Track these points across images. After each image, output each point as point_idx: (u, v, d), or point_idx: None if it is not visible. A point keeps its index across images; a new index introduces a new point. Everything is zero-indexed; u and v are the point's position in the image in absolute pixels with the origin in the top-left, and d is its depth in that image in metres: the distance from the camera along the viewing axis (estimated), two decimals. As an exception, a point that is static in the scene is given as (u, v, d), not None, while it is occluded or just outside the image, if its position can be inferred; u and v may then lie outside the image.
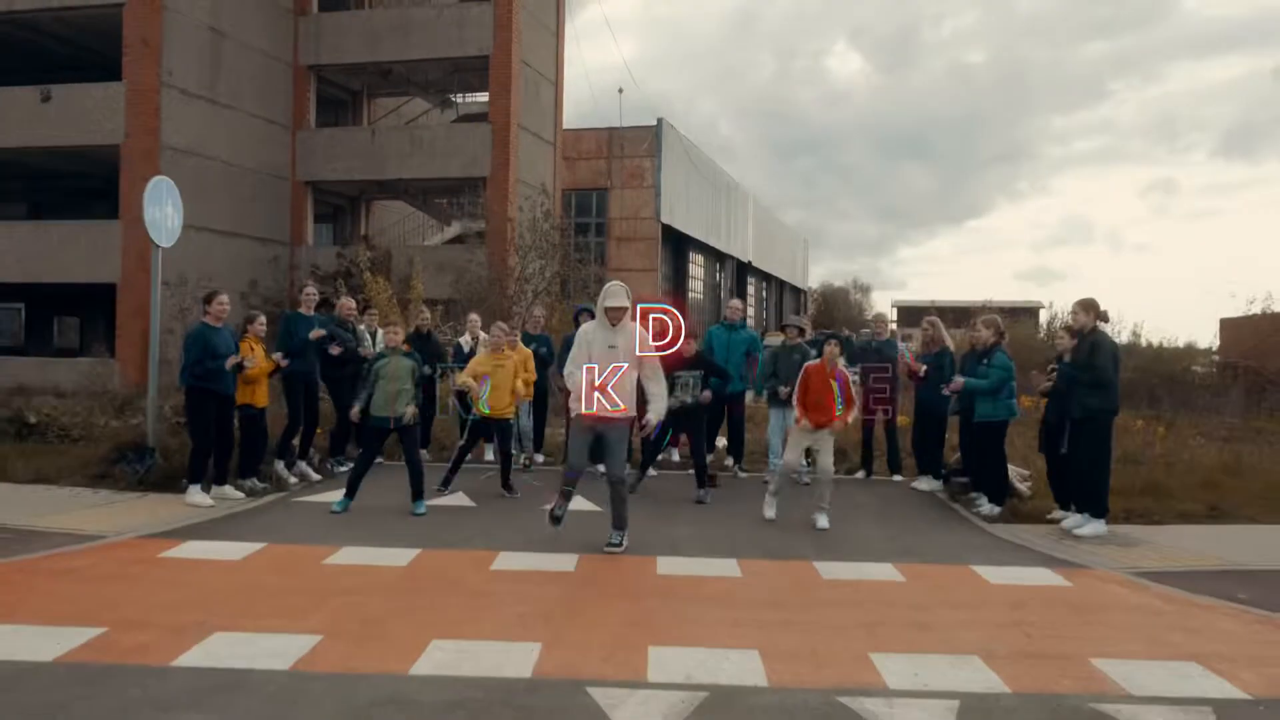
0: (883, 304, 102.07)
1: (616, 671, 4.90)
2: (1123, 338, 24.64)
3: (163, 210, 10.30)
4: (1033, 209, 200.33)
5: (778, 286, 68.59)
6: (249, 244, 25.26)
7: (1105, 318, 8.51)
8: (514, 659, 5.03)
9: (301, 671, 4.83)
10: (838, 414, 8.63)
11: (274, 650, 5.08)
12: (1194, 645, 5.54)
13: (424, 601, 6.12)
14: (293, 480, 10.10)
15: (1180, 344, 27.43)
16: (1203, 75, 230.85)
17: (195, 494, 8.89)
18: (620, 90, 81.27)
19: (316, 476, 10.45)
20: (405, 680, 4.75)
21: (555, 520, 7.58)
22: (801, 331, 11.20)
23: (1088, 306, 8.50)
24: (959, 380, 9.52)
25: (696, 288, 49.49)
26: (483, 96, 29.89)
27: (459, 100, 32.91)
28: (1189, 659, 5.28)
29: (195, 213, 21.10)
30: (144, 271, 22.42)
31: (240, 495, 9.24)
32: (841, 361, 8.87)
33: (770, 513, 8.92)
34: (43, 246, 23.43)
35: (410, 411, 8.76)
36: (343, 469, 10.92)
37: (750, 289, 59.99)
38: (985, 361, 9.43)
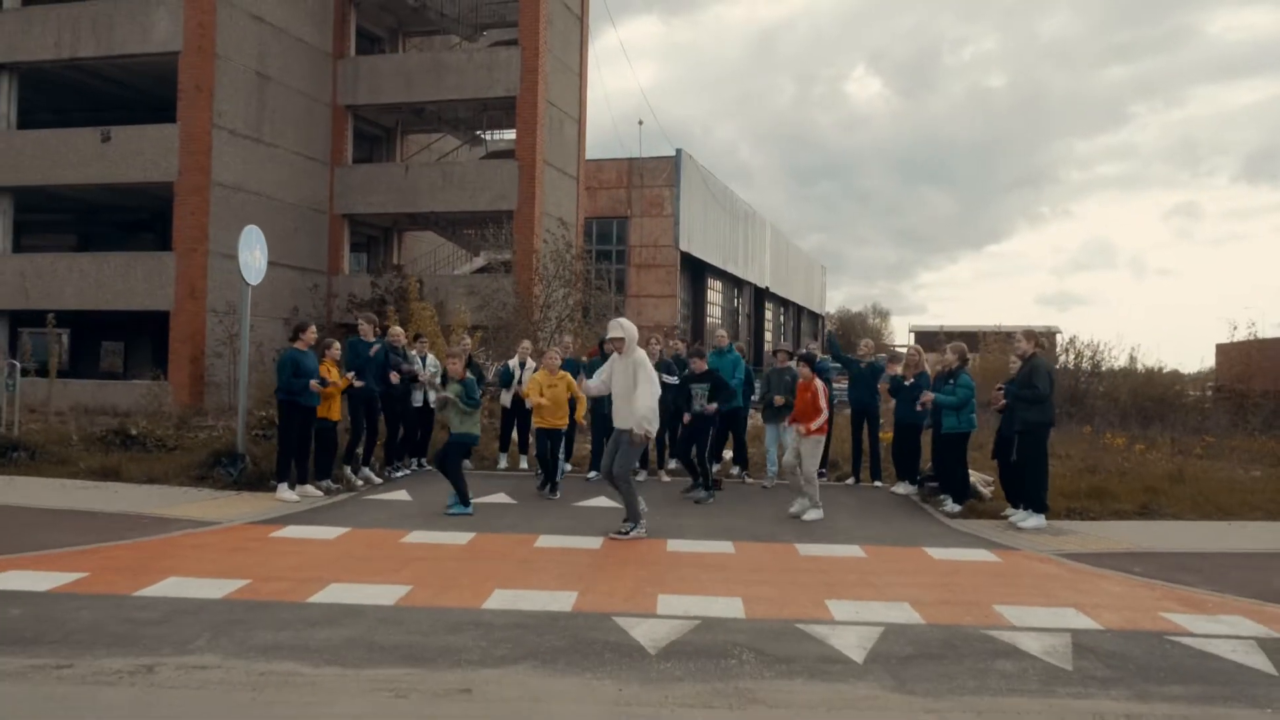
0: (901, 329, 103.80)
1: (633, 608, 6.74)
2: (1120, 361, 26.12)
3: (252, 253, 12.16)
4: (1054, 233, 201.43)
5: (795, 312, 70.36)
6: (290, 273, 27.32)
7: (1043, 344, 10.31)
8: (557, 600, 6.89)
9: (402, 606, 6.71)
10: (813, 427, 10.48)
11: (378, 594, 6.96)
12: (1078, 598, 7.32)
13: (484, 566, 8.00)
14: (359, 483, 11.99)
15: (1174, 368, 28.94)
16: (1225, 99, 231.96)
17: (284, 491, 10.81)
18: (640, 122, 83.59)
19: (378, 480, 12.34)
20: (479, 612, 6.61)
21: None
22: (790, 355, 13.09)
23: (1029, 336, 10.35)
24: (929, 395, 11.36)
25: (715, 313, 51.36)
26: (510, 134, 32.05)
27: (488, 137, 35.13)
28: (1070, 607, 7.06)
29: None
30: (194, 299, 24.62)
31: (319, 493, 11.15)
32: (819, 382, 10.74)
33: (795, 509, 10.61)
34: (99, 276, 25.56)
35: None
36: (398, 475, 12.82)
37: (768, 314, 61.80)
38: (951, 381, 11.26)
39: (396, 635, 6.02)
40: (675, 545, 9.07)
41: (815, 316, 78.81)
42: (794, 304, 69.49)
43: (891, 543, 9.44)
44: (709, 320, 48.68)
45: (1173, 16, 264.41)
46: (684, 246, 44.45)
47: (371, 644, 5.84)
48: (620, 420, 9.44)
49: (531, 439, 13.83)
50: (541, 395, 11.40)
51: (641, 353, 9.51)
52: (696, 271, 48.07)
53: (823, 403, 10.66)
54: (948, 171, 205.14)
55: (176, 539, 8.83)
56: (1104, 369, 26.02)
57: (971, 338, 34.03)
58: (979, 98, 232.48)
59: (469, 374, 10.72)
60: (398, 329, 13.37)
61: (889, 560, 8.66)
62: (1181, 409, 24.48)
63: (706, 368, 11.87)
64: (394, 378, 12.22)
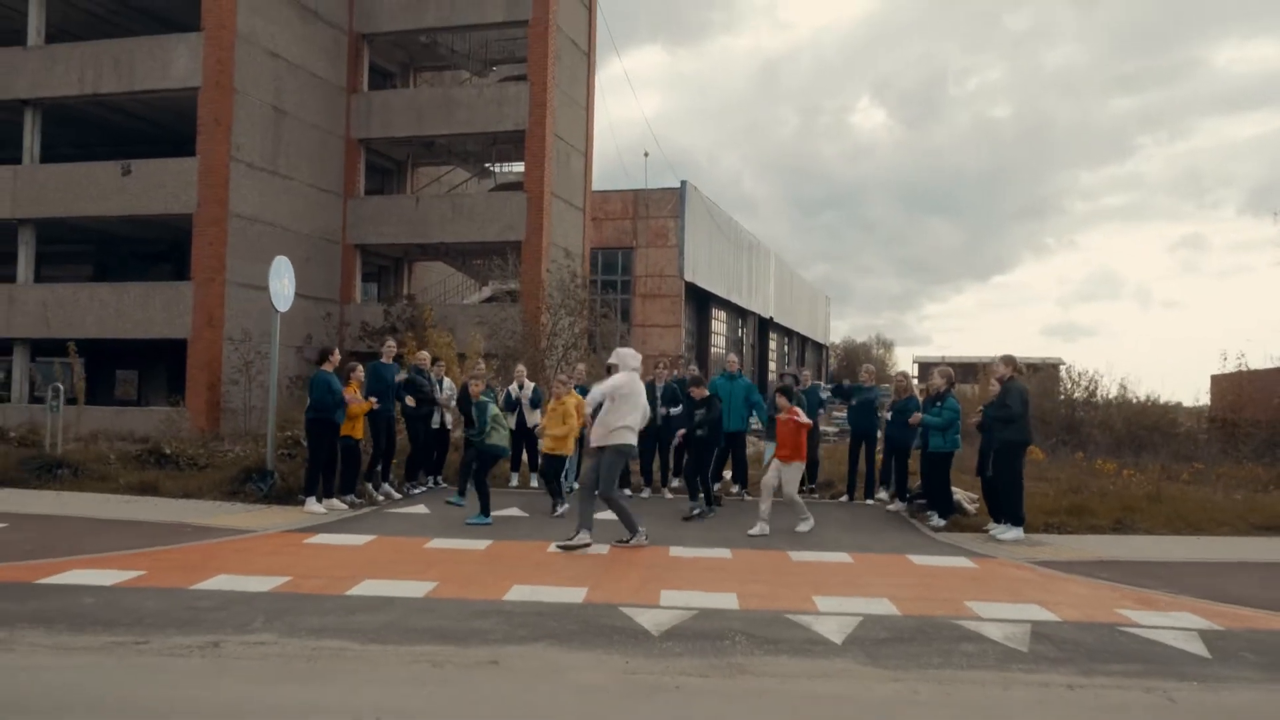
0: (905, 359, 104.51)
1: (639, 601, 7.59)
2: (1112, 392, 26.86)
3: (281, 282, 13.06)
4: (1060, 264, 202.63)
5: (799, 342, 71.24)
6: (303, 302, 27.95)
7: (1021, 369, 11.18)
8: (570, 594, 7.74)
9: (431, 598, 7.56)
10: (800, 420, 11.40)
11: (408, 589, 7.82)
12: (1042, 597, 8.15)
13: (502, 567, 8.86)
14: (380, 498, 12.86)
15: (1170, 398, 29.65)
16: (1230, 131, 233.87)
17: (313, 504, 11.68)
18: (646, 154, 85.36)
19: (398, 495, 13.23)
20: (501, 602, 7.46)
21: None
22: (797, 380, 13.96)
23: (1007, 361, 11.23)
24: (917, 415, 12.21)
25: (719, 343, 52.24)
26: (519, 166, 33.04)
27: (496, 170, 36.11)
28: (1034, 603, 7.88)
29: (256, 274, 24.14)
30: (211, 328, 25.51)
31: (345, 507, 12.02)
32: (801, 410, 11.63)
33: (756, 530, 11.32)
34: (119, 305, 26.47)
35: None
36: (416, 491, 13.68)
37: (772, 344, 62.65)
38: (938, 404, 12.12)
39: (428, 620, 6.87)
40: (677, 551, 9.91)
41: (819, 347, 79.74)
42: (798, 334, 70.42)
43: (878, 551, 10.26)
44: (713, 350, 49.58)
45: (1179, 48, 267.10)
46: (689, 277, 45.39)
47: (407, 628, 6.68)
48: (596, 439, 10.19)
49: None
50: (562, 423, 12.14)
51: (621, 377, 10.23)
52: (701, 301, 48.99)
53: (803, 418, 11.45)
54: (953, 202, 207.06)
55: (219, 544, 9.72)
56: (1098, 399, 26.82)
57: (972, 368, 34.83)
58: (984, 128, 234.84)
59: (484, 397, 11.63)
60: (423, 354, 14.23)
61: (874, 566, 9.48)
62: (1174, 438, 25.23)
63: (706, 393, 12.70)
64: (410, 401, 13.04)
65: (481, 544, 10.02)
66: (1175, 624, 7.32)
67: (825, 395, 15.28)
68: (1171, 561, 10.06)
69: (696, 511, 12.33)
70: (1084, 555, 10.28)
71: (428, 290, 35.22)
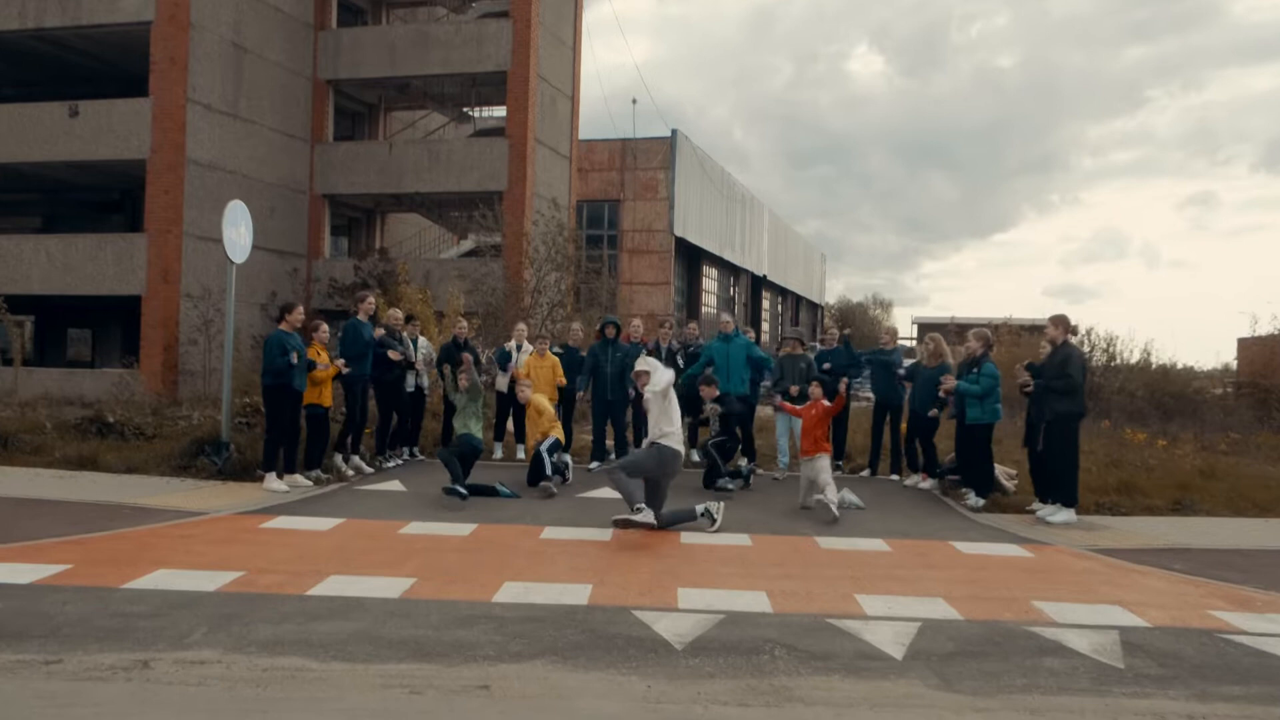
0: (903, 320, 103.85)
1: (653, 602, 6.66)
2: (1134, 357, 26.15)
3: (237, 230, 12.03)
4: (1064, 222, 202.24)
5: (794, 301, 70.44)
6: (268, 257, 27.06)
7: (1075, 331, 10.26)
8: (571, 593, 6.80)
9: (408, 599, 6.61)
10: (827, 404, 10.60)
11: (381, 587, 6.86)
12: (1119, 595, 7.27)
13: (490, 558, 7.91)
14: (349, 473, 11.90)
15: (1190, 364, 29.00)
16: (1247, 84, 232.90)
17: (272, 481, 10.72)
18: (634, 101, 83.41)
19: (369, 469, 12.26)
20: (490, 605, 6.51)
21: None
22: (801, 342, 13.00)
23: (1058, 322, 10.29)
24: (950, 380, 11.29)
25: (710, 302, 51.31)
26: (500, 111, 31.85)
27: (476, 114, 34.92)
28: (1113, 604, 7.00)
29: (216, 225, 22.93)
30: (167, 283, 24.40)
31: (309, 483, 11.06)
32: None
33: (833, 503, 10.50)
34: (67, 259, 25.27)
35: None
36: (390, 464, 12.73)
37: (765, 303, 61.86)
38: (975, 370, 11.20)
39: (405, 629, 5.92)
40: (690, 537, 8.99)
41: (814, 307, 78.98)
42: (792, 293, 69.58)
43: (915, 536, 9.39)
44: (704, 310, 48.64)
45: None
46: (679, 231, 44.42)
47: (379, 638, 5.74)
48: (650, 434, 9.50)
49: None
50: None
51: (665, 374, 9.45)
52: (691, 258, 48.06)
53: (831, 404, 10.84)
54: (953, 156, 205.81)
55: (162, 530, 8.73)
56: (1118, 364, 26.06)
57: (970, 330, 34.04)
58: (987, 78, 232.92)
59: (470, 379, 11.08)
60: (395, 311, 13.32)
61: (915, 555, 8.60)
62: (1201, 405, 24.55)
63: (717, 393, 11.78)
64: (394, 356, 12.13)
65: (466, 528, 9.08)
66: (1283, 630, 6.46)
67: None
68: (1248, 549, 9.22)
69: (731, 487, 11.54)
70: (1148, 541, 9.43)
71: (402, 244, 34.14)
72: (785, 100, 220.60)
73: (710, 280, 51.70)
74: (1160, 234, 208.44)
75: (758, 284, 59.28)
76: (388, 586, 6.88)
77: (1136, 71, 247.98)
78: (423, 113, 34.47)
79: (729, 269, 54.24)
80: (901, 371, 13.18)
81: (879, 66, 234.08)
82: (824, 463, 10.64)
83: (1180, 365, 27.97)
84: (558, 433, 11.76)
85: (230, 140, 26.21)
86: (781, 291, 66.90)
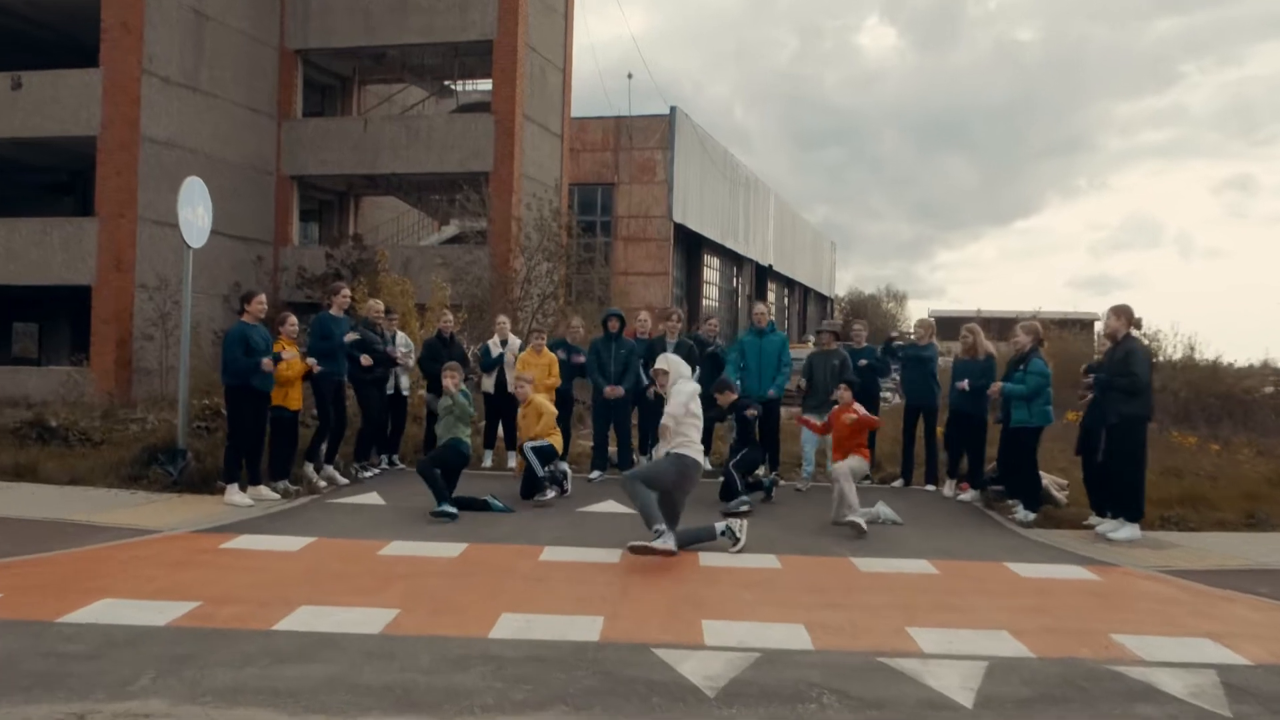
0: (919, 314, 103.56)
1: (676, 638, 6.17)
2: (1177, 353, 25.81)
3: (194, 210, 11.55)
4: (1091, 208, 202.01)
5: (801, 293, 70.05)
6: (231, 244, 26.54)
7: (1139, 324, 9.79)
8: (580, 627, 6.31)
9: (391, 635, 6.11)
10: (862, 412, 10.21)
11: (359, 620, 6.36)
12: (1208, 626, 6.80)
13: (484, 584, 7.42)
14: (322, 484, 11.40)
15: (1240, 361, 28.63)
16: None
17: (235, 493, 10.24)
18: (630, 76, 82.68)
19: (344, 480, 11.77)
20: (487, 642, 6.02)
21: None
22: (836, 336, 12.49)
23: (1120, 313, 9.81)
24: (996, 385, 10.81)
25: (711, 294, 50.88)
26: (485, 84, 31.46)
27: (459, 88, 34.43)
28: (1202, 636, 6.53)
29: (173, 209, 22.45)
30: (120, 272, 23.87)
31: (276, 496, 10.58)
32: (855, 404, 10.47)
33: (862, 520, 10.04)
34: (10, 245, 24.71)
35: None
36: (368, 474, 12.24)
37: (771, 295, 61.41)
38: (1022, 367, 10.73)
39: (388, 673, 5.43)
40: (709, 558, 8.52)
41: (823, 299, 78.62)
42: (800, 284, 69.18)
43: (964, 556, 8.93)
44: (705, 303, 48.18)
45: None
46: (678, 218, 43.94)
47: (357, 685, 5.25)
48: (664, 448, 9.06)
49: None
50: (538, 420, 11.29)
51: (685, 385, 8.99)
52: (691, 246, 47.61)
53: (869, 415, 10.41)
54: (971, 137, 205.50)
55: (108, 551, 8.25)
56: (1159, 360, 25.68)
57: (1006, 326, 33.75)
58: (1007, 52, 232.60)
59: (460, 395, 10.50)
60: (376, 302, 12.84)
61: (967, 577, 8.14)
62: (1251, 405, 24.19)
63: (735, 397, 11.30)
64: (365, 361, 11.64)
65: (455, 548, 8.58)
66: (1403, 668, 5.99)
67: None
68: (1341, 571, 8.76)
69: (745, 508, 10.95)
70: (1224, 560, 8.98)
71: (378, 230, 33.74)
72: (790, 77, 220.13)
73: (712, 271, 51.27)
74: (1195, 220, 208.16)
75: (763, 275, 58.87)
76: (367, 619, 6.38)
77: (1167, 45, 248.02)
78: (400, 86, 34.02)
79: (732, 258, 53.80)
80: (964, 386, 12.48)
81: (891, 40, 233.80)
82: (857, 463, 10.23)
83: (1226, 362, 27.68)
84: (555, 439, 11.28)
85: (189, 116, 25.72)
86: (788, 283, 66.49)
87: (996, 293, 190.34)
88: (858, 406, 10.52)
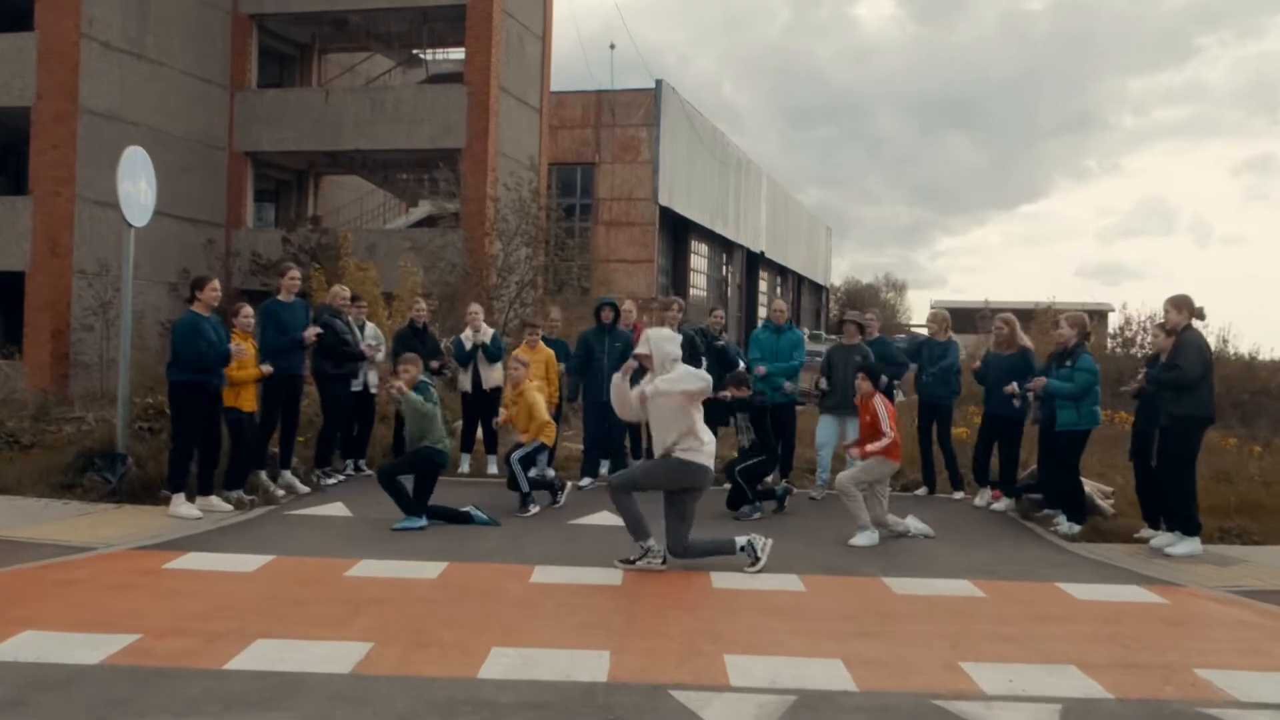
0: (919, 305, 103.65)
1: (695, 677, 5.67)
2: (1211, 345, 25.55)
3: (136, 184, 11.08)
4: (1102, 192, 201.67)
5: (795, 282, 69.72)
6: (178, 225, 26.03)
7: (1201, 315, 9.36)
8: (584, 664, 5.80)
9: (363, 674, 5.59)
10: (871, 449, 9.64)
11: (327, 656, 5.83)
12: (1301, 658, 6.36)
13: (469, 611, 6.92)
14: (279, 493, 10.92)
15: (1262, 355, 28.41)
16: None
17: (181, 505, 9.72)
18: (612, 46, 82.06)
19: (304, 489, 11.27)
20: (476, 683, 5.50)
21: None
22: (862, 329, 12.02)
23: (1180, 304, 9.38)
24: (1040, 380, 10.35)
25: (699, 282, 50.49)
26: (457, 53, 31.12)
27: (428, 57, 34.06)
28: (1296, 670, 6.10)
29: (115, 186, 22.05)
30: (57, 257, 23.35)
31: (228, 507, 10.08)
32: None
33: (861, 540, 9.67)
34: (-66, 227, 24.19)
35: None
36: (332, 482, 11.75)
37: (763, 284, 61.09)
38: (1069, 363, 10.29)
39: (362, 722, 4.91)
40: (723, 579, 8.04)
41: (818, 288, 78.35)
42: (793, 272, 68.81)
43: (1008, 575, 8.51)
44: (693, 292, 47.75)
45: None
46: (664, 200, 43.49)
47: (326, 737, 4.73)
48: (660, 447, 8.54)
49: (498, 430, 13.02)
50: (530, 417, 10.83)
51: (681, 369, 8.49)
52: (678, 231, 47.16)
53: (886, 425, 9.70)
54: (974, 115, 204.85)
55: (34, 572, 7.73)
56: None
57: (1020, 318, 33.41)
58: (1014, 24, 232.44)
59: (416, 395, 9.82)
60: (340, 288, 12.37)
61: (1016, 600, 7.70)
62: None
63: (748, 393, 10.85)
64: (310, 337, 11.15)
65: (433, 568, 8.07)
66: None
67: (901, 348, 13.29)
68: None
69: (754, 517, 10.66)
70: (1303, 580, 8.58)
71: (339, 212, 33.34)
72: (782, 50, 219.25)
73: (699, 258, 50.84)
74: (1213, 204, 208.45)
75: (754, 262, 58.44)
76: (334, 655, 5.85)
77: (1184, 17, 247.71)
78: (364, 55, 33.61)
79: (721, 244, 53.37)
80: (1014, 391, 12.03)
81: (889, 10, 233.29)
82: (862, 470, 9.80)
83: (1261, 356, 27.46)
84: (547, 437, 10.80)
85: (133, 85, 25.24)
86: (781, 271, 66.08)
87: (1001, 282, 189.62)
88: (879, 403, 9.97)
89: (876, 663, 6.03)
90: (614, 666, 5.80)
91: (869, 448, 9.66)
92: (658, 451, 8.55)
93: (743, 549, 8.34)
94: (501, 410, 11.65)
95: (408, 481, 9.83)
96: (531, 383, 11.03)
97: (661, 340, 8.54)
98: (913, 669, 5.95)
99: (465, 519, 9.84)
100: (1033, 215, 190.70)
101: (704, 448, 8.35)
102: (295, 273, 11.52)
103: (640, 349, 8.62)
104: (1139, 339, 27.13)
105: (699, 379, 8.36)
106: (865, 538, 9.57)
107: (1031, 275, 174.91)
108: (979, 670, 5.90)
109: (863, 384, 10.00)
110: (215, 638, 6.12)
